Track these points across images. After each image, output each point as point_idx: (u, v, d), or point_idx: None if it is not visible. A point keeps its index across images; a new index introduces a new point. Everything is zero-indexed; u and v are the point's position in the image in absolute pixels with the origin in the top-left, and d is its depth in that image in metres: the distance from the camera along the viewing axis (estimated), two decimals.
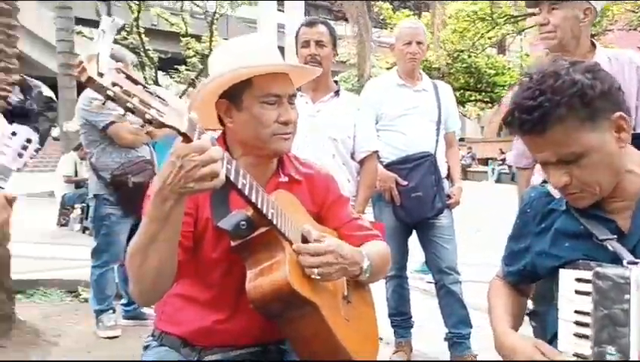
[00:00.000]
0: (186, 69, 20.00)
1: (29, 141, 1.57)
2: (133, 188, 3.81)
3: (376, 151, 3.09)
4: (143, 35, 17.60)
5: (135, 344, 3.81)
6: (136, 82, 1.12)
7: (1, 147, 1.53)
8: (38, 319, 4.18)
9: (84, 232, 6.03)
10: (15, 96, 2.88)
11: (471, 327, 3.36)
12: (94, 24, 16.54)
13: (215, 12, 19.14)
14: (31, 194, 11.67)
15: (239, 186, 1.33)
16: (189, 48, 19.46)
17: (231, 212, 1.45)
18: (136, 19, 17.27)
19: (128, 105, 1.09)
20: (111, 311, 4.00)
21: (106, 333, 3.90)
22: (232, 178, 1.30)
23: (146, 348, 1.65)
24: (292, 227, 1.49)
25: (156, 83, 17.25)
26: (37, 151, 1.63)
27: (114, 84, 1.08)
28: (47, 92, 2.78)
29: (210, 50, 16.88)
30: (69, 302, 4.82)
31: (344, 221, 1.73)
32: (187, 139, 1.19)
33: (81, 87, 3.52)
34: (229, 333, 1.55)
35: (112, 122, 3.73)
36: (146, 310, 4.24)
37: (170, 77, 20.68)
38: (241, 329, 1.55)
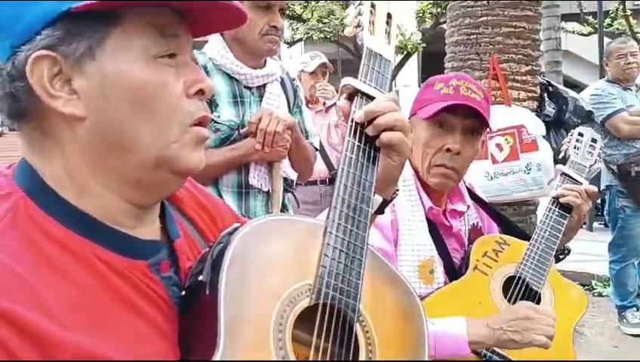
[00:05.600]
0: None
1: (594, 141, 1.81)
2: (635, 177, 3.69)
3: None
4: (630, 18, 16.32)
5: None
6: None
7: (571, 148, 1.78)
8: None
9: (606, 226, 5.97)
10: (549, 106, 3.10)
11: None
12: (577, 18, 16.30)
13: None
14: None
15: None
16: None
17: None
18: (622, 2, 16.14)
19: None
20: (634, 308, 3.87)
21: (632, 330, 3.80)
22: None
23: None
24: None
25: None
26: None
27: None
28: (584, 104, 2.93)
29: None
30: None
31: None
32: None
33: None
34: None
35: (610, 115, 3.71)
36: None
37: None
38: None
